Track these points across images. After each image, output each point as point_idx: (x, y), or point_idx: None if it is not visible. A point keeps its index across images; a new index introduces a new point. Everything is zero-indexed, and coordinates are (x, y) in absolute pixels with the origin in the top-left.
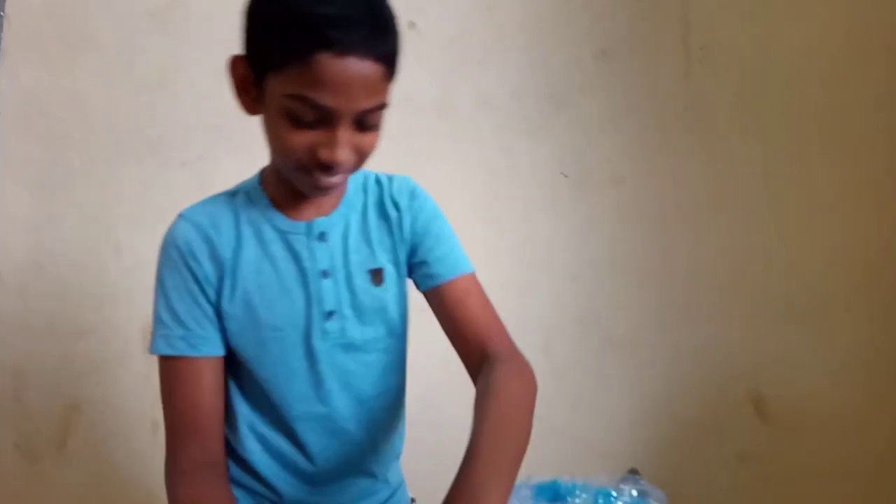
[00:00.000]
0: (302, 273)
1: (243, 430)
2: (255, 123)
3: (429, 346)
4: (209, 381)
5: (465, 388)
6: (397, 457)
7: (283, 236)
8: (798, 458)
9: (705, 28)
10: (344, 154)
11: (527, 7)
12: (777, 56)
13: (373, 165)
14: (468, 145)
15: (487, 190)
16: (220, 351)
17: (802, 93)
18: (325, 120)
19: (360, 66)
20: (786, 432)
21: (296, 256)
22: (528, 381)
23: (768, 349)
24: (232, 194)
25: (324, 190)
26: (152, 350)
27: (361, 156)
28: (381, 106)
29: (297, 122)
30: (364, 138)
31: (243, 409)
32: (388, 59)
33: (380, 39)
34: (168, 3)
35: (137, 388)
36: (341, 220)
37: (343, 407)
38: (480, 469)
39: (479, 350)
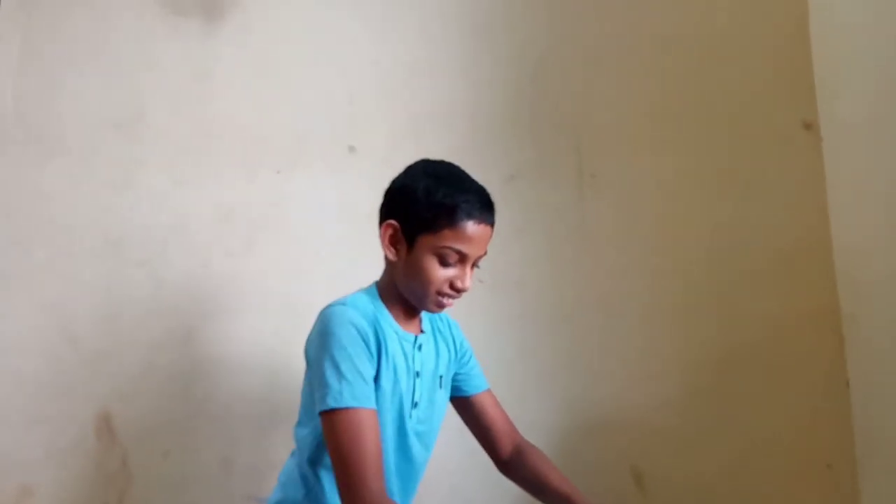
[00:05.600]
0: (407, 370)
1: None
2: (206, 228)
3: None
4: (378, 429)
5: None
6: None
7: (401, 342)
8: None
9: (596, 159)
10: (470, 282)
11: (449, 136)
12: (652, 185)
13: (317, 259)
14: None
15: None
16: None
17: (671, 217)
18: (461, 262)
19: (485, 230)
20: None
21: (406, 358)
22: None
23: (647, 430)
24: (367, 299)
25: (444, 308)
26: (339, 404)
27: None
28: (486, 252)
29: (443, 263)
30: (472, 273)
31: None
32: (494, 225)
33: (493, 214)
34: (132, 116)
35: (90, 475)
36: (429, 338)
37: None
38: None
39: (509, 442)
